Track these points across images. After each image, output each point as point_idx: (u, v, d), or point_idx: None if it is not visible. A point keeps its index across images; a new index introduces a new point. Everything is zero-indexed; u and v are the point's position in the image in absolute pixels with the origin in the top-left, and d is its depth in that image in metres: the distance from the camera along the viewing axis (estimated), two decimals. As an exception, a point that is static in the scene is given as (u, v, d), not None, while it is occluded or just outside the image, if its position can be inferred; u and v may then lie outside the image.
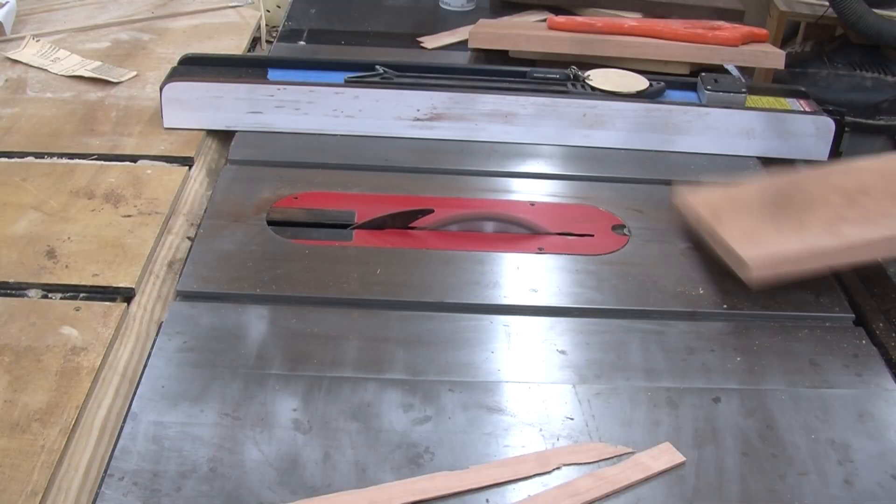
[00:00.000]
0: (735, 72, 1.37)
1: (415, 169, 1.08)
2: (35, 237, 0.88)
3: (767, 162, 1.15)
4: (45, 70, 1.27)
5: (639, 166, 1.12)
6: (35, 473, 0.63)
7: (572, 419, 0.72)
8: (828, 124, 1.15)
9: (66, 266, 0.84)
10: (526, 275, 0.89)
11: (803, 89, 1.23)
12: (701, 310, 0.86)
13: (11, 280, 0.82)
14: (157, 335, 0.78)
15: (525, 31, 1.37)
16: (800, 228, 0.89)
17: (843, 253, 0.87)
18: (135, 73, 1.27)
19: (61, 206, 0.94)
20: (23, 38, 1.36)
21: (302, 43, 1.43)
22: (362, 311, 0.82)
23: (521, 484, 0.66)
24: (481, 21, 1.46)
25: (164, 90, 1.12)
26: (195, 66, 1.17)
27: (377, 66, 1.19)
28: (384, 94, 1.13)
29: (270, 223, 0.94)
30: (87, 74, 1.25)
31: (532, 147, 1.15)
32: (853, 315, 0.87)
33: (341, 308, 0.83)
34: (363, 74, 1.18)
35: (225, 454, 0.66)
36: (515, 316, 0.83)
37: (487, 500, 0.64)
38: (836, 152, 1.17)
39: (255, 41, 1.51)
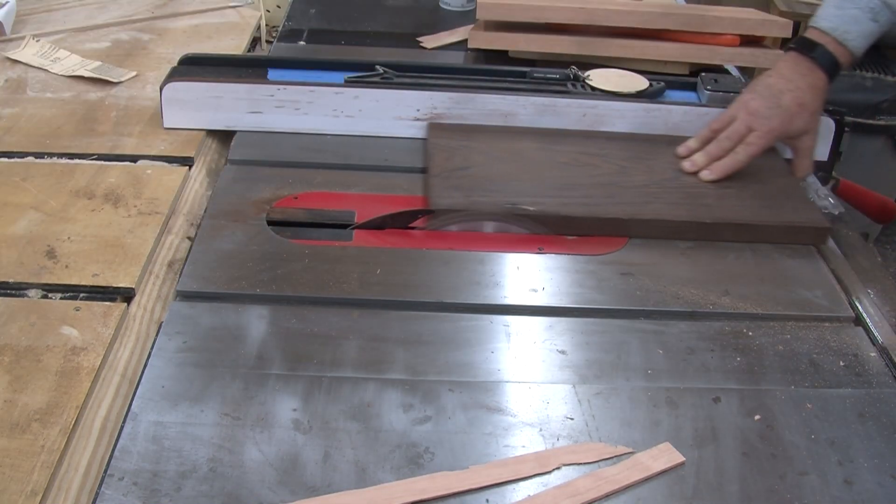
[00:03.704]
0: (735, 72, 1.37)
1: (415, 169, 1.08)
2: (35, 237, 0.88)
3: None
4: (45, 70, 1.27)
5: (639, 166, 1.12)
6: (35, 473, 0.63)
7: (572, 419, 0.72)
8: (828, 124, 1.15)
9: (66, 266, 0.84)
10: (526, 275, 0.89)
11: (804, 89, 1.23)
12: (701, 310, 0.86)
13: (11, 280, 0.82)
14: (157, 335, 0.78)
15: (525, 33, 1.37)
16: None
17: None
18: (135, 73, 1.27)
19: (61, 206, 0.94)
20: (23, 38, 1.36)
21: (302, 43, 1.43)
22: (362, 311, 0.82)
23: (521, 484, 0.66)
24: None
25: (164, 90, 1.12)
26: (195, 66, 1.17)
27: (377, 66, 1.19)
28: (384, 94, 1.13)
29: (270, 223, 0.94)
30: (87, 74, 1.25)
31: (532, 147, 1.15)
32: (853, 315, 0.87)
33: (341, 308, 0.83)
34: (363, 74, 1.18)
35: (225, 454, 0.66)
36: (515, 316, 0.83)
37: (487, 500, 0.64)
38: (836, 152, 1.17)
39: (255, 41, 1.51)
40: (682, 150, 1.09)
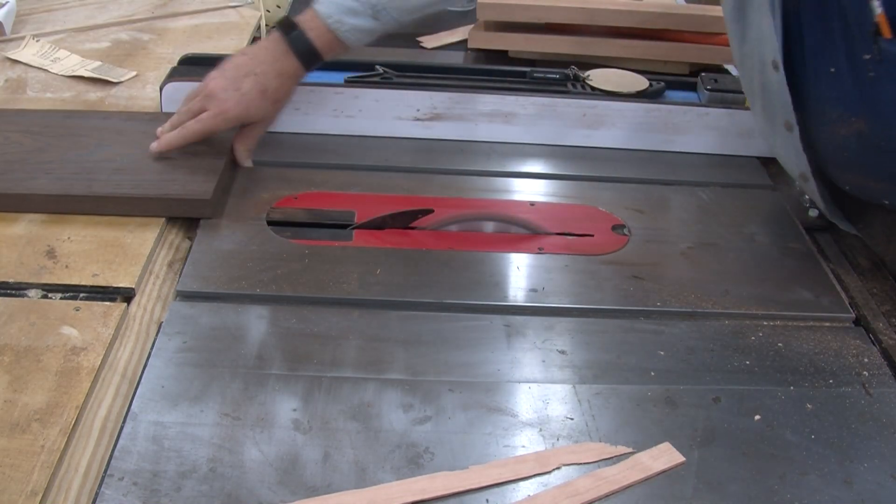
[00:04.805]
0: (735, 72, 1.37)
1: (415, 169, 1.08)
2: (35, 237, 0.89)
3: (767, 162, 1.15)
4: (45, 70, 1.27)
5: (639, 166, 1.12)
6: (35, 473, 0.63)
7: (572, 419, 0.72)
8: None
9: (66, 266, 0.84)
10: (526, 275, 0.89)
11: (803, 89, 1.23)
12: (701, 310, 0.86)
13: (11, 280, 0.82)
14: (157, 335, 0.78)
15: (525, 33, 1.37)
16: None
17: None
18: (135, 73, 1.27)
19: (61, 206, 0.94)
20: (23, 38, 1.36)
21: (302, 43, 1.43)
22: (362, 311, 0.82)
23: (521, 484, 0.66)
24: None
25: (164, 90, 1.12)
26: (195, 66, 1.17)
27: (377, 66, 1.19)
28: (384, 94, 1.13)
29: (270, 223, 0.94)
30: (87, 74, 1.25)
31: (532, 147, 1.15)
32: (853, 315, 0.87)
33: (341, 308, 0.83)
34: (363, 74, 1.18)
35: (225, 454, 0.66)
36: (515, 316, 0.83)
37: (487, 500, 0.64)
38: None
39: (255, 41, 1.51)
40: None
